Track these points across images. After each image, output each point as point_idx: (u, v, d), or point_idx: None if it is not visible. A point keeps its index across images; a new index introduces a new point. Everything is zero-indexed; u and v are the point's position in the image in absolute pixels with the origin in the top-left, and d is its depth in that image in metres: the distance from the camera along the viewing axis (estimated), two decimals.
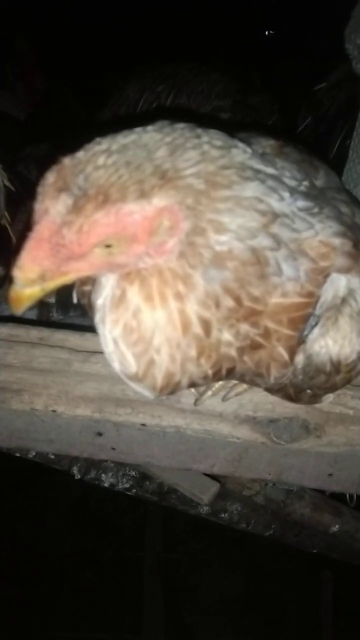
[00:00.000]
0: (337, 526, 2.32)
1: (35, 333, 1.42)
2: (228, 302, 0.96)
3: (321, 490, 2.28)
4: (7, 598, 4.20)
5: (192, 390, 1.36)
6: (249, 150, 0.97)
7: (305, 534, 2.53)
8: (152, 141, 0.89)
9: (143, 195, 0.87)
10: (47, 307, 2.08)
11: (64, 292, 1.94)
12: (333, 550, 2.62)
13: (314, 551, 2.68)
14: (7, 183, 1.93)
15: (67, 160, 0.88)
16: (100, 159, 0.87)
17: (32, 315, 1.98)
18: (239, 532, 2.63)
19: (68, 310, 2.06)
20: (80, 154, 0.88)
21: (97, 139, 0.90)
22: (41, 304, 2.03)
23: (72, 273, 0.92)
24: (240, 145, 0.97)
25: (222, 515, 2.42)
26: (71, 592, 4.38)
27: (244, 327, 1.00)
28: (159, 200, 0.88)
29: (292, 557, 3.73)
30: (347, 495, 2.29)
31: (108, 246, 0.90)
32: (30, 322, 1.49)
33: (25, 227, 0.89)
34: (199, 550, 4.64)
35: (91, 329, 1.45)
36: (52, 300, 2.05)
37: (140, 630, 4.47)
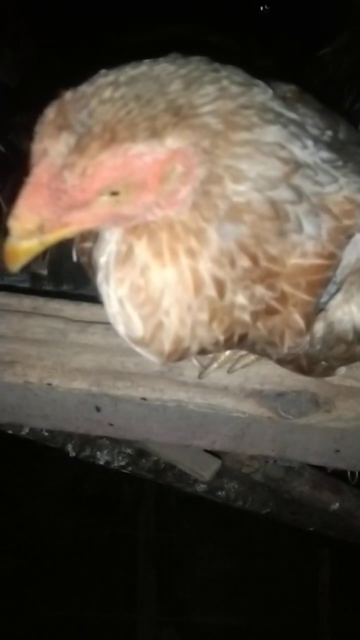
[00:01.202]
0: (337, 504, 2.28)
1: (28, 302, 1.34)
2: (244, 261, 0.88)
3: (321, 467, 2.24)
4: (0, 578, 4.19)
5: (195, 362, 1.30)
6: (270, 90, 0.88)
7: (303, 512, 2.50)
8: (164, 73, 0.80)
9: (155, 134, 0.78)
10: (40, 279, 2.00)
11: (56, 264, 1.87)
12: (330, 528, 2.59)
13: (311, 529, 2.65)
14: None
15: (68, 95, 0.79)
16: (107, 92, 0.78)
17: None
18: (234, 510, 2.60)
19: (61, 282, 1.99)
20: (84, 87, 0.79)
21: (103, 71, 0.81)
22: (34, 276, 1.95)
23: (73, 225, 0.83)
24: (262, 84, 0.87)
25: (219, 493, 2.38)
26: (64, 571, 4.37)
27: (260, 290, 0.92)
28: (172, 141, 0.79)
29: (289, 535, 3.73)
30: (349, 473, 2.25)
31: (114, 194, 0.81)
32: (23, 291, 1.42)
33: (22, 173, 0.81)
34: (194, 528, 4.64)
35: (87, 298, 1.39)
36: (45, 272, 1.98)
37: (133, 608, 4.48)
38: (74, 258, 1.16)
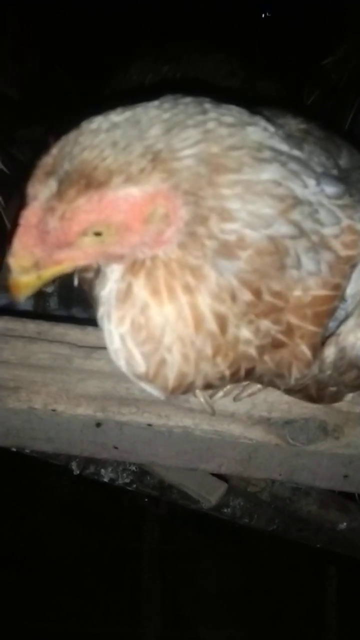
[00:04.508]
0: (344, 523, 2.25)
1: (33, 327, 1.33)
2: (246, 296, 0.88)
3: None
4: (4, 591, 4.15)
5: (201, 399, 1.28)
6: (271, 128, 0.88)
7: (309, 530, 2.47)
8: (146, 118, 0.82)
9: (129, 179, 0.80)
10: (44, 296, 1.99)
11: (65, 286, 1.86)
12: (337, 545, 2.56)
13: (318, 546, 2.62)
14: (1, 165, 1.85)
15: (59, 142, 0.83)
16: (87, 139, 0.81)
17: (29, 306, 1.90)
18: (240, 525, 2.57)
19: (70, 304, 1.98)
20: (71, 134, 0.83)
21: (91, 117, 0.84)
22: (38, 294, 1.94)
23: (66, 262, 0.87)
24: (261, 123, 0.88)
25: (225, 510, 2.35)
26: (68, 584, 4.34)
27: (265, 324, 0.92)
28: (148, 185, 0.81)
29: (296, 550, 3.68)
30: (356, 493, 2.22)
31: (98, 234, 0.84)
32: (27, 315, 1.40)
33: (18, 212, 0.85)
34: (199, 541, 4.59)
35: (93, 322, 1.37)
36: (50, 290, 1.97)
37: (138, 623, 4.44)
38: (75, 284, 1.17)
